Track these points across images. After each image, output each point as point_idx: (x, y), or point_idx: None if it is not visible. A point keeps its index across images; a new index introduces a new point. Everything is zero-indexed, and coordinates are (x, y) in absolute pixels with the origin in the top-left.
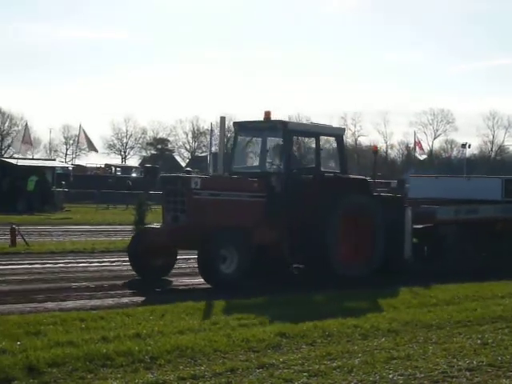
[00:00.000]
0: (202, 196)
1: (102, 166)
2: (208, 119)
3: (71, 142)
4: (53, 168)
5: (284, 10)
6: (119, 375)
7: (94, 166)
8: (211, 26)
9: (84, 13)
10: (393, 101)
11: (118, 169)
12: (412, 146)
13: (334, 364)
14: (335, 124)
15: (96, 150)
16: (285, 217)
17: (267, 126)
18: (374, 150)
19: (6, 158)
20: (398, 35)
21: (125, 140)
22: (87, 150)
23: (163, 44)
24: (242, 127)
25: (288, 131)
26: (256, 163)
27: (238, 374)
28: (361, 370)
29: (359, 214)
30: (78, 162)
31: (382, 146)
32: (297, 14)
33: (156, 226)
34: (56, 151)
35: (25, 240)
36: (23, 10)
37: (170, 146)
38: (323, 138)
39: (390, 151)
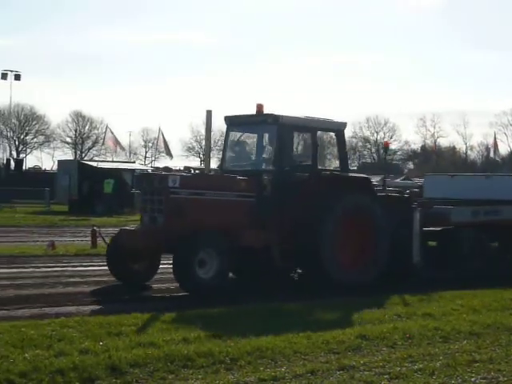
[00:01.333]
0: (181, 195)
1: (181, 168)
2: None
3: (150, 144)
4: (132, 170)
5: (360, 11)
6: (200, 376)
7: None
8: (281, 26)
9: (159, 15)
10: (471, 101)
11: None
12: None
13: (415, 367)
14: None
15: (171, 156)
16: (275, 218)
17: (259, 120)
18: (385, 145)
19: (87, 160)
20: (474, 35)
21: (203, 143)
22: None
23: (241, 46)
24: (234, 122)
25: (280, 126)
26: (248, 161)
27: (319, 376)
28: (442, 372)
29: (360, 215)
30: (157, 164)
31: (461, 147)
32: (373, 15)
33: (132, 227)
34: (135, 154)
35: (105, 241)
36: (97, 14)
37: None
38: (323, 134)
39: (469, 152)
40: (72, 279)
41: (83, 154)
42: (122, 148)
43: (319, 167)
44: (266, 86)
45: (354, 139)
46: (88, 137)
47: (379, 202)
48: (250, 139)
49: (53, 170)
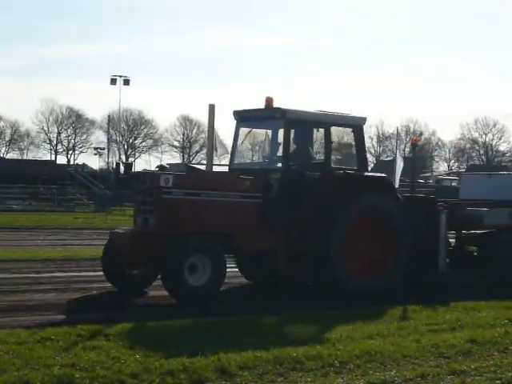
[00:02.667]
0: (175, 196)
1: None
2: (393, 123)
3: (257, 148)
4: None
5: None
6: (309, 379)
7: None
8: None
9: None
10: None
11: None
12: None
13: None
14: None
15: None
16: (282, 220)
17: (266, 115)
18: (413, 142)
19: (194, 163)
20: None
21: None
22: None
23: (329, 48)
24: (243, 117)
25: (288, 120)
26: (257, 158)
27: (429, 381)
28: None
29: (377, 217)
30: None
31: None
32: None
33: (123, 229)
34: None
35: None
36: (202, 16)
37: None
38: (339, 130)
39: None
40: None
41: (191, 158)
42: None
43: (334, 166)
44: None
45: (461, 141)
46: (196, 140)
47: (399, 204)
48: (259, 135)
49: None
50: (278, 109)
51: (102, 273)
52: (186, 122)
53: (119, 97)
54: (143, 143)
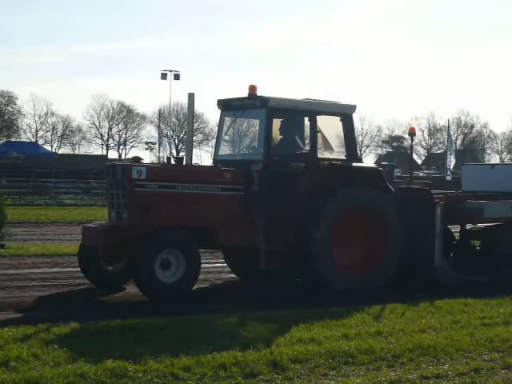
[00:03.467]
0: (148, 188)
1: None
2: (444, 116)
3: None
4: None
5: None
6: (361, 373)
7: None
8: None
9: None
10: None
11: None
12: None
13: None
14: None
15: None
16: (262, 215)
17: (248, 104)
18: (411, 131)
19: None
20: None
21: (360, 138)
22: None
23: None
24: (226, 106)
25: (269, 109)
26: (240, 149)
27: (483, 375)
28: None
29: (366, 211)
30: None
31: None
32: None
33: (97, 224)
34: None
35: None
36: (246, 13)
37: (405, 143)
38: (325, 118)
39: None
40: None
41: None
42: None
43: (320, 156)
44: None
45: None
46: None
47: (391, 197)
48: (242, 125)
49: None
50: (259, 97)
51: None
52: None
53: (170, 91)
54: (193, 137)
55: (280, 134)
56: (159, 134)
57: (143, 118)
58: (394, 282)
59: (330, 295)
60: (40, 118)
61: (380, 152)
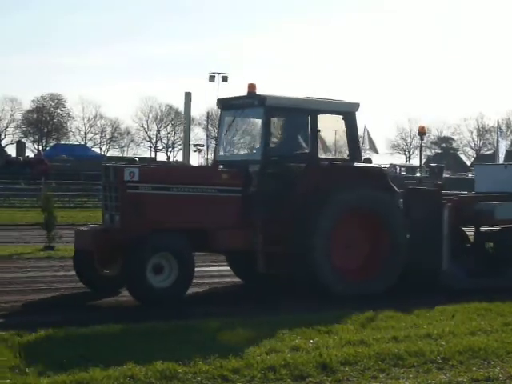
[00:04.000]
0: (141, 190)
1: (387, 165)
2: (494, 117)
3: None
4: None
5: None
6: (411, 375)
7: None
8: None
9: None
10: None
11: (402, 168)
12: None
13: None
14: None
15: (377, 152)
16: (259, 217)
17: (247, 103)
18: (421, 131)
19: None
20: None
21: (409, 140)
22: (370, 150)
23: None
24: (226, 105)
25: (267, 108)
26: (240, 149)
27: None
28: None
29: (369, 213)
30: None
31: None
32: None
33: (90, 227)
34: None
35: None
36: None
37: (454, 144)
38: (327, 117)
39: None
40: None
41: None
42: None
43: (322, 156)
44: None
45: None
46: None
47: (396, 198)
48: (242, 125)
49: None
50: (257, 96)
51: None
52: None
53: (217, 94)
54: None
55: (280, 134)
56: (207, 136)
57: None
58: (402, 286)
59: (370, 298)
60: (89, 120)
61: (429, 153)
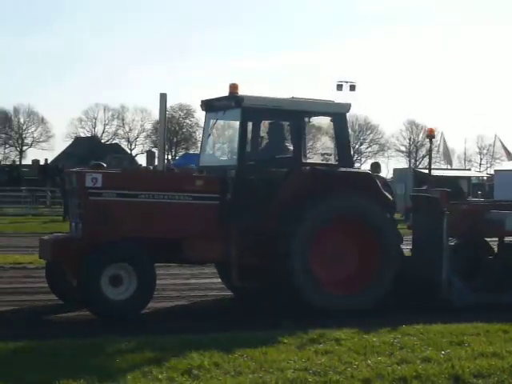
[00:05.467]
0: (104, 197)
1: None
2: None
3: (485, 151)
4: (468, 178)
5: None
6: None
7: None
8: None
9: None
10: None
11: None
12: None
13: None
14: None
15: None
16: (234, 226)
17: (226, 104)
18: (430, 133)
19: (421, 168)
20: None
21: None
22: (506, 159)
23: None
24: (209, 107)
25: (244, 109)
26: (220, 154)
27: None
28: None
29: (356, 222)
30: (490, 171)
31: None
32: None
33: (52, 236)
34: (470, 161)
35: None
36: None
37: None
38: (314, 119)
39: None
40: None
41: (417, 162)
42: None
43: (306, 161)
44: None
45: None
46: (422, 145)
47: (387, 206)
48: (223, 128)
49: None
50: (234, 96)
51: None
52: (413, 126)
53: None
54: (369, 148)
55: (260, 137)
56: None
57: (318, 129)
58: (402, 300)
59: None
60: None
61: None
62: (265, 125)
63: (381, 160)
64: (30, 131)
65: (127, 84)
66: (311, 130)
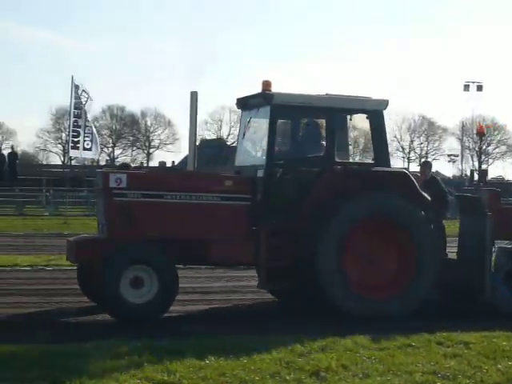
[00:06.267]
0: (129, 198)
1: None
2: None
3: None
4: None
5: None
6: None
7: None
8: None
9: None
10: None
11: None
12: None
13: None
14: None
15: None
16: (264, 227)
17: (257, 102)
18: (479, 131)
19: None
20: None
21: None
22: None
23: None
24: (244, 106)
25: (274, 107)
26: (253, 153)
27: None
28: None
29: (394, 224)
30: None
31: None
32: None
33: (81, 236)
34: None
35: None
36: None
37: None
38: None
39: None
40: None
41: None
42: None
43: (340, 160)
44: None
45: None
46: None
47: (425, 207)
48: (256, 126)
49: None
50: (264, 93)
51: None
52: None
53: (472, 103)
54: (496, 149)
55: (291, 135)
56: (462, 146)
57: (445, 130)
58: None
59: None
60: None
61: None
62: (297, 123)
63: (509, 161)
64: (156, 133)
65: (255, 86)
66: (347, 127)
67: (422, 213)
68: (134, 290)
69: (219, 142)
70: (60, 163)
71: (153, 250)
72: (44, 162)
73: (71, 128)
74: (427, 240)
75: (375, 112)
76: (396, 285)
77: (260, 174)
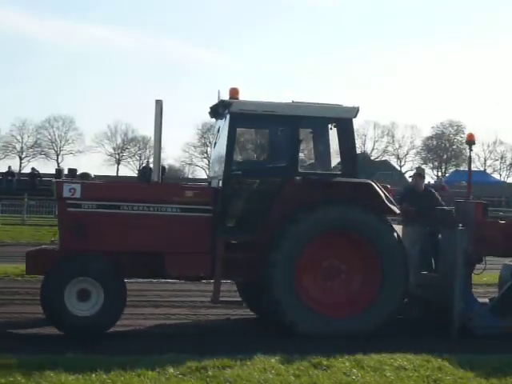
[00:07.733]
0: (84, 208)
1: None
2: None
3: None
4: None
5: None
6: None
7: None
8: None
9: None
10: None
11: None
12: None
13: None
14: None
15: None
16: (220, 239)
17: (218, 110)
18: (469, 139)
19: None
20: None
21: None
22: None
23: None
24: (215, 114)
25: (233, 115)
26: (218, 164)
27: None
28: None
29: (358, 238)
30: None
31: None
32: None
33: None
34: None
35: None
36: None
37: None
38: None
39: None
40: None
41: None
42: None
43: (303, 170)
44: None
45: None
46: None
47: (386, 220)
48: (224, 135)
49: None
50: (223, 101)
51: None
52: None
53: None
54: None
55: (252, 145)
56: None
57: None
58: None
59: None
60: (488, 146)
61: None
62: (258, 131)
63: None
64: None
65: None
66: (313, 136)
67: (389, 225)
68: (80, 302)
69: (364, 157)
70: (205, 177)
71: (98, 262)
72: (190, 176)
73: None
74: (393, 254)
75: (343, 120)
76: (359, 301)
77: (217, 185)
